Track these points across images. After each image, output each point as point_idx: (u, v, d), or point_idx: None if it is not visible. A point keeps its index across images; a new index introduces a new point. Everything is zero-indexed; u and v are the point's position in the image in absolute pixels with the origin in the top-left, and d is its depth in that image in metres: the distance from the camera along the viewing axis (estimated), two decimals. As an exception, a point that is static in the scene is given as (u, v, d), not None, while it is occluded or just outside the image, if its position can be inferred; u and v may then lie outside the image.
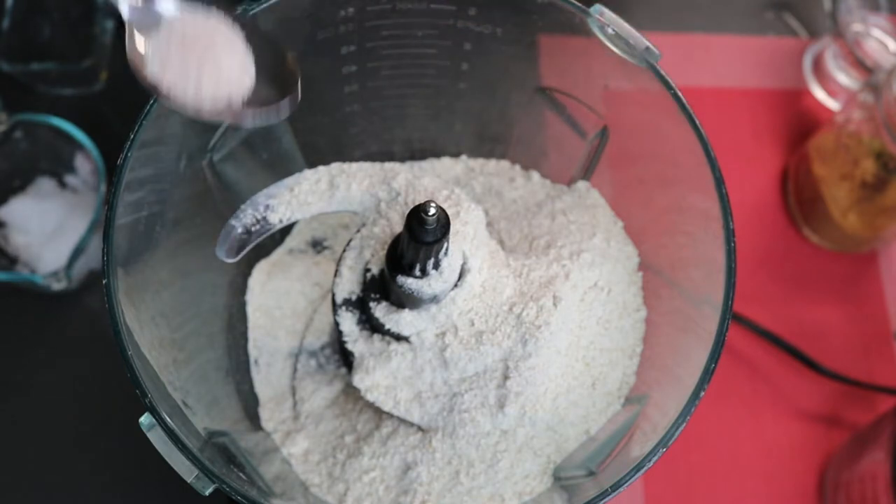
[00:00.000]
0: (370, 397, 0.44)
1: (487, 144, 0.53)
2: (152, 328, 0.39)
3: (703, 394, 0.36)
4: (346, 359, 0.49)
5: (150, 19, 0.38)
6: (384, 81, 0.49)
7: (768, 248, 0.71)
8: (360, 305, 0.44)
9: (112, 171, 0.36)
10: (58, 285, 0.60)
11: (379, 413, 0.47)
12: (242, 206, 0.45)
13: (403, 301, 0.42)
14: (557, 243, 0.46)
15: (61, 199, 0.65)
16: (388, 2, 0.43)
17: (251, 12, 0.40)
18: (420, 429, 0.45)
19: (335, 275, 0.44)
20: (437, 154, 0.54)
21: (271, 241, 0.53)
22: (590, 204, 0.49)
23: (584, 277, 0.44)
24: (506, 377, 0.42)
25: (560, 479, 0.44)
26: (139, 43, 0.37)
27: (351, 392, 0.49)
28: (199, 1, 0.39)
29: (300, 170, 0.46)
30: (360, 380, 0.44)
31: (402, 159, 0.52)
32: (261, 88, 0.39)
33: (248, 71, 0.39)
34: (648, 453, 0.36)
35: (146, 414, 0.35)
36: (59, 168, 0.65)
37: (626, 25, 0.39)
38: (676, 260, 0.44)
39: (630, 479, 0.35)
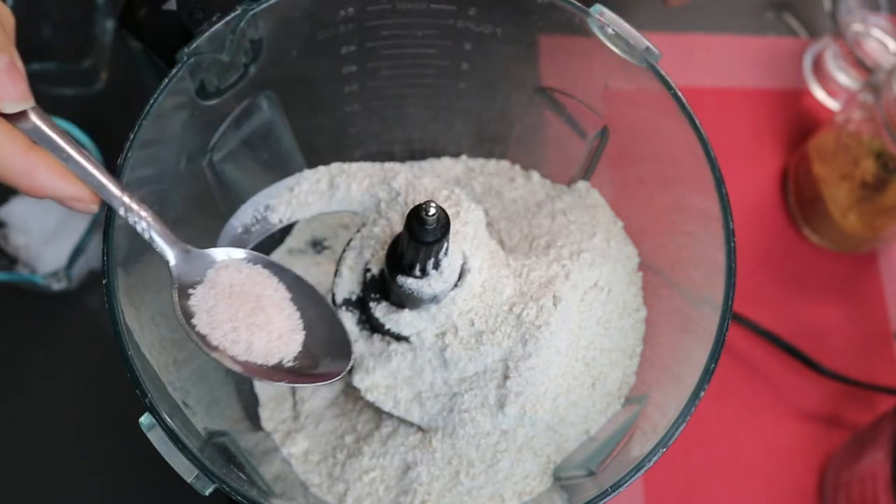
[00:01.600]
0: (370, 397, 0.44)
1: (487, 144, 0.53)
2: (152, 328, 0.39)
3: (703, 394, 0.36)
4: (346, 359, 0.49)
5: (196, 272, 0.38)
6: (384, 81, 0.49)
7: (768, 248, 0.71)
8: (360, 305, 0.44)
9: (112, 171, 0.36)
10: (58, 285, 0.60)
11: (379, 413, 0.47)
12: (242, 206, 0.45)
13: (403, 301, 0.42)
14: (557, 243, 0.46)
15: (61, 199, 0.65)
16: (388, 2, 0.43)
17: (251, 12, 0.40)
18: (420, 429, 0.45)
19: (335, 275, 0.44)
20: (437, 154, 0.54)
21: (271, 241, 0.53)
22: (590, 204, 0.49)
23: (584, 277, 0.44)
24: (506, 377, 0.42)
25: (560, 479, 0.44)
26: (188, 294, 0.38)
27: (351, 392, 0.49)
28: (242, 254, 0.39)
29: (300, 170, 0.46)
30: (360, 380, 0.44)
31: (402, 159, 0.52)
32: (311, 345, 0.39)
33: (298, 328, 0.39)
34: (648, 453, 0.36)
35: (146, 414, 0.35)
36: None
37: (626, 25, 0.39)
38: (676, 260, 0.44)
39: (630, 479, 0.35)
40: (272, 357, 0.38)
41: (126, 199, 0.36)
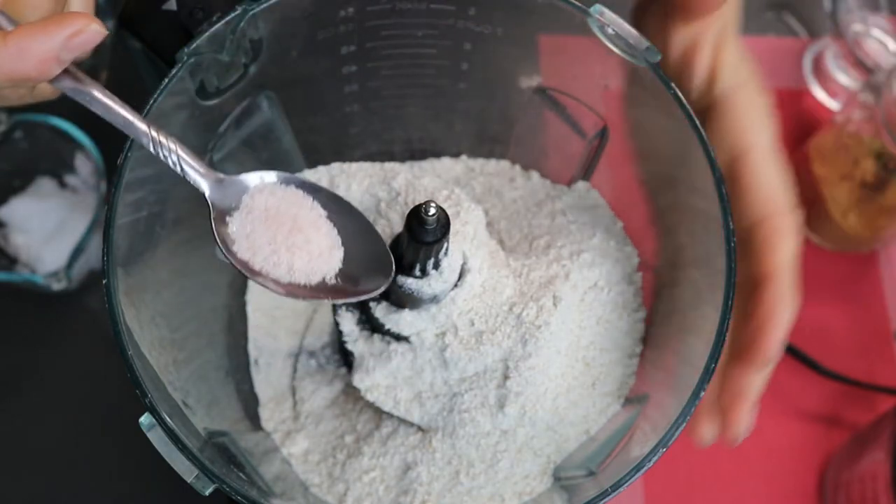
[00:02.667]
0: (370, 397, 0.44)
1: (487, 144, 0.53)
2: (152, 328, 0.39)
3: (703, 394, 0.36)
4: (346, 359, 0.49)
5: (231, 198, 0.38)
6: (384, 81, 0.49)
7: (768, 248, 0.71)
8: (360, 305, 0.44)
9: (112, 171, 0.36)
10: (58, 285, 0.60)
11: (379, 413, 0.47)
12: (243, 206, 0.45)
13: (403, 301, 0.42)
14: (557, 243, 0.46)
15: (61, 199, 0.65)
16: (388, 2, 0.43)
17: (251, 12, 0.40)
18: (420, 429, 0.45)
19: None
20: (437, 154, 0.54)
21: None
22: (590, 204, 0.49)
23: (584, 277, 0.44)
24: (506, 377, 0.42)
25: (560, 479, 0.44)
26: (225, 222, 0.38)
27: (351, 392, 0.49)
28: (274, 177, 0.39)
29: (300, 170, 0.46)
30: (360, 380, 0.44)
31: (401, 159, 0.52)
32: (351, 261, 0.39)
33: (337, 244, 0.39)
34: (648, 453, 0.36)
35: (146, 414, 0.35)
36: (59, 168, 0.65)
37: (626, 25, 0.39)
38: (676, 260, 0.44)
39: (630, 479, 0.35)
40: (314, 276, 0.38)
41: (154, 133, 0.35)
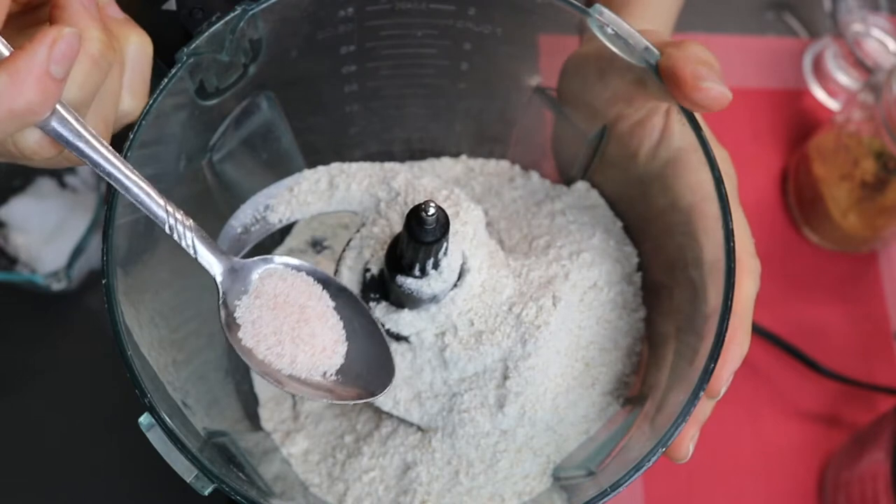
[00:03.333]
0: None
1: (487, 144, 0.53)
2: (152, 328, 0.39)
3: (702, 394, 0.36)
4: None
5: (241, 282, 0.38)
6: (384, 81, 0.49)
7: (768, 248, 0.71)
8: (360, 305, 0.44)
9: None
10: (58, 285, 0.60)
11: (378, 413, 0.47)
12: (242, 206, 0.45)
13: (403, 301, 0.42)
14: (557, 243, 0.46)
15: (61, 199, 0.65)
16: (388, 2, 0.43)
17: (251, 12, 0.40)
18: (419, 429, 0.45)
19: (334, 274, 0.44)
20: (437, 154, 0.54)
21: (271, 240, 0.53)
22: (589, 204, 0.49)
23: (584, 277, 0.44)
24: (505, 377, 0.42)
25: (560, 479, 0.44)
26: (232, 305, 0.38)
27: (351, 392, 0.49)
28: (286, 262, 0.39)
29: (300, 170, 0.46)
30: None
31: (401, 159, 0.52)
32: (353, 358, 0.39)
33: (342, 339, 0.39)
34: (648, 453, 0.36)
35: (145, 414, 0.35)
36: (58, 168, 0.65)
37: (625, 25, 0.39)
38: (676, 260, 0.44)
39: (629, 478, 0.35)
40: (316, 370, 0.38)
41: (169, 211, 0.35)
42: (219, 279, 0.37)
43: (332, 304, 0.40)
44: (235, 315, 0.38)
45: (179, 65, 0.39)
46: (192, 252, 0.36)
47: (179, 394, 0.40)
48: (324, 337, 0.38)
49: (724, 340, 0.36)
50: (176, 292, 0.44)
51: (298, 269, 0.40)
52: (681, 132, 0.41)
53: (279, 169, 0.47)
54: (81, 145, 0.32)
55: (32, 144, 0.32)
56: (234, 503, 0.36)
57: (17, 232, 0.64)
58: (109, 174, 0.33)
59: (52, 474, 0.60)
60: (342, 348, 0.39)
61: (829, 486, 0.63)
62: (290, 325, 0.38)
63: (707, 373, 0.36)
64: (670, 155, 0.42)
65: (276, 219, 0.45)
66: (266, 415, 0.50)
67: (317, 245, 0.55)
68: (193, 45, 0.39)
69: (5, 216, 0.64)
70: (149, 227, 0.41)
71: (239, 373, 0.51)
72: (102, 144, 0.33)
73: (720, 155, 0.42)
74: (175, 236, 0.36)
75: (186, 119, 0.41)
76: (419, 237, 0.38)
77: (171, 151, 0.42)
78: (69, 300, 0.63)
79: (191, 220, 0.36)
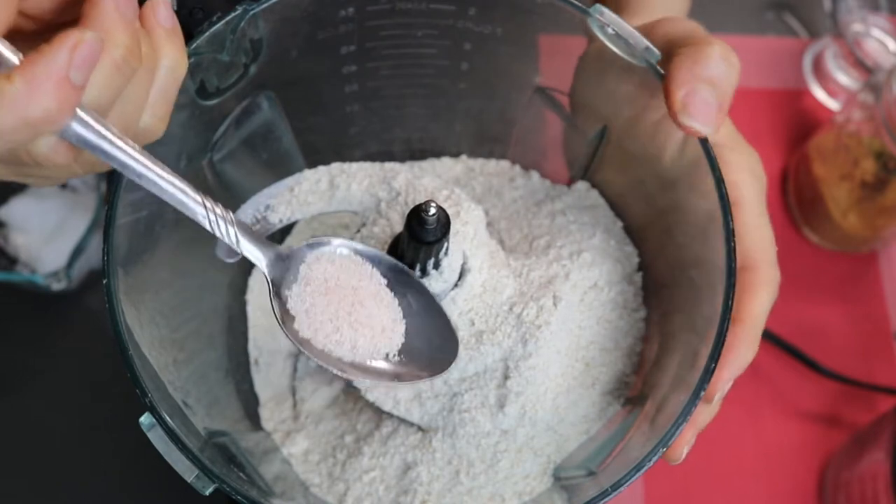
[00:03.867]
0: (370, 397, 0.44)
1: (487, 144, 0.53)
2: (152, 328, 0.39)
3: (703, 394, 0.36)
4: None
5: (289, 270, 0.37)
6: (384, 81, 0.49)
7: (768, 247, 0.71)
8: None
9: (112, 171, 0.36)
10: (58, 285, 0.60)
11: (379, 413, 0.47)
12: (243, 206, 0.45)
13: (404, 301, 0.42)
14: (557, 243, 0.46)
15: (61, 198, 0.65)
16: (388, 2, 0.43)
17: (251, 12, 0.40)
18: (420, 429, 0.45)
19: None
20: (437, 154, 0.54)
21: (271, 240, 0.53)
22: (590, 204, 0.49)
23: (584, 277, 0.44)
24: (506, 377, 0.42)
25: (560, 479, 0.44)
26: (283, 296, 0.36)
27: (351, 392, 0.49)
28: (332, 243, 0.38)
29: (300, 170, 0.46)
30: (360, 380, 0.44)
31: (401, 159, 0.52)
32: (413, 335, 0.38)
33: (399, 317, 0.38)
34: (648, 453, 0.36)
35: (146, 413, 0.35)
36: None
37: (626, 25, 0.39)
38: (676, 260, 0.44)
39: (630, 478, 0.35)
40: (378, 353, 0.37)
41: (209, 206, 0.33)
42: (266, 271, 0.36)
43: (383, 281, 0.38)
44: (288, 306, 0.36)
45: (180, 64, 0.39)
46: (235, 246, 0.35)
47: (180, 393, 0.40)
48: (381, 317, 0.37)
49: (724, 340, 0.36)
50: (176, 292, 0.44)
51: (345, 248, 0.38)
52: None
53: (280, 169, 0.47)
54: (106, 146, 0.30)
55: (46, 150, 0.30)
56: (234, 503, 0.36)
57: (17, 232, 0.64)
58: (140, 175, 0.31)
59: (52, 474, 0.60)
60: (401, 327, 0.38)
61: (829, 486, 0.63)
62: (345, 309, 0.36)
63: (708, 373, 0.36)
64: (701, 153, 0.40)
65: (277, 219, 0.45)
66: (266, 415, 0.50)
67: (317, 245, 0.55)
68: (194, 45, 0.39)
69: (5, 216, 0.64)
70: (149, 227, 0.41)
71: (239, 373, 0.51)
72: (129, 144, 0.31)
73: (750, 156, 0.41)
74: (217, 233, 0.34)
75: (187, 119, 0.41)
76: (420, 237, 0.38)
77: (171, 151, 0.42)
78: (69, 300, 0.63)
79: (231, 214, 0.35)
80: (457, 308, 0.42)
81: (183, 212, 0.33)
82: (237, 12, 0.39)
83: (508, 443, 0.43)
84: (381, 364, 0.37)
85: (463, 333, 0.42)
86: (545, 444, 0.44)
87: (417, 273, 0.40)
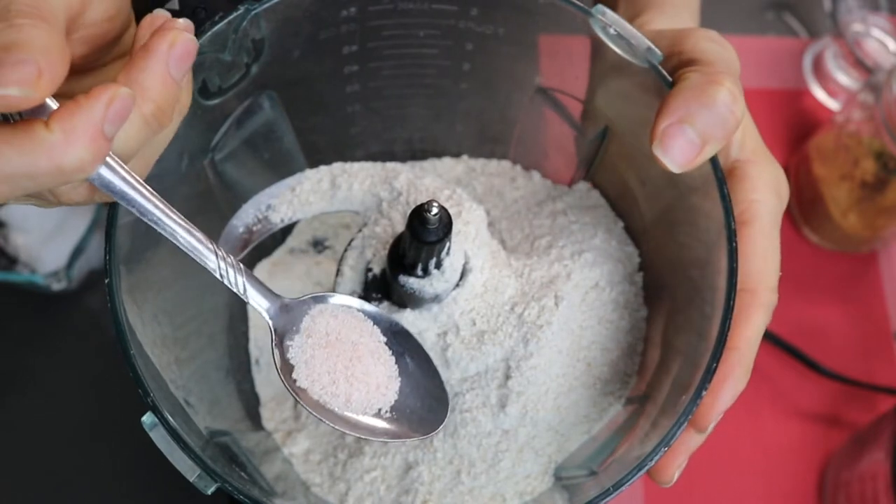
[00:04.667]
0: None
1: (488, 145, 0.53)
2: (154, 326, 0.39)
3: (703, 394, 0.36)
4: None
5: (292, 321, 0.38)
6: (386, 81, 0.49)
7: (768, 248, 0.71)
8: (362, 305, 0.44)
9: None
10: (58, 285, 0.60)
11: (380, 413, 0.47)
12: (244, 206, 0.45)
13: (405, 301, 0.42)
14: (559, 243, 0.46)
15: (62, 198, 0.65)
16: (390, 2, 0.43)
17: (253, 12, 0.40)
18: (421, 428, 0.45)
19: (336, 274, 0.44)
20: (439, 154, 0.54)
21: (272, 240, 0.53)
22: (591, 204, 0.49)
23: (586, 277, 0.44)
24: (507, 377, 0.43)
25: (561, 479, 0.44)
26: (284, 346, 0.37)
27: (352, 392, 0.49)
28: (336, 300, 0.39)
29: (301, 169, 0.46)
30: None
31: (403, 159, 0.52)
32: (406, 394, 0.39)
33: (394, 375, 0.39)
34: (650, 453, 0.36)
35: (148, 413, 0.35)
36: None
37: (627, 25, 0.39)
38: (677, 260, 0.44)
39: (631, 478, 0.35)
40: (370, 408, 0.38)
41: (219, 255, 0.35)
42: (271, 322, 0.37)
43: (382, 339, 0.40)
44: (288, 356, 0.37)
45: (182, 64, 0.39)
46: (242, 295, 0.36)
47: (182, 392, 0.40)
48: (377, 374, 0.38)
49: (725, 340, 0.36)
50: (178, 290, 0.44)
51: (349, 306, 0.40)
52: (741, 141, 0.40)
53: (281, 168, 0.47)
54: (128, 193, 0.32)
55: (70, 192, 0.32)
56: (235, 503, 0.36)
57: (17, 232, 0.64)
58: (157, 221, 0.33)
59: (53, 474, 0.59)
60: (395, 385, 0.39)
61: (829, 486, 0.63)
62: (343, 363, 0.37)
63: (709, 372, 0.36)
64: (727, 164, 0.40)
65: (278, 218, 0.45)
66: (267, 414, 0.50)
67: (318, 245, 0.55)
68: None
69: (5, 216, 0.64)
70: (151, 227, 0.41)
71: (240, 372, 0.51)
72: (148, 192, 0.32)
73: (774, 172, 0.40)
74: (226, 281, 0.35)
75: (189, 118, 0.41)
76: (422, 237, 0.38)
77: (173, 151, 0.42)
78: (69, 300, 0.63)
79: (241, 264, 0.36)
80: (458, 308, 0.42)
81: (194, 258, 0.35)
82: (239, 12, 0.39)
83: (510, 442, 0.43)
84: (371, 420, 0.38)
85: (464, 333, 0.42)
86: (546, 444, 0.44)
87: (419, 272, 0.40)
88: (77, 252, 0.59)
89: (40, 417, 0.61)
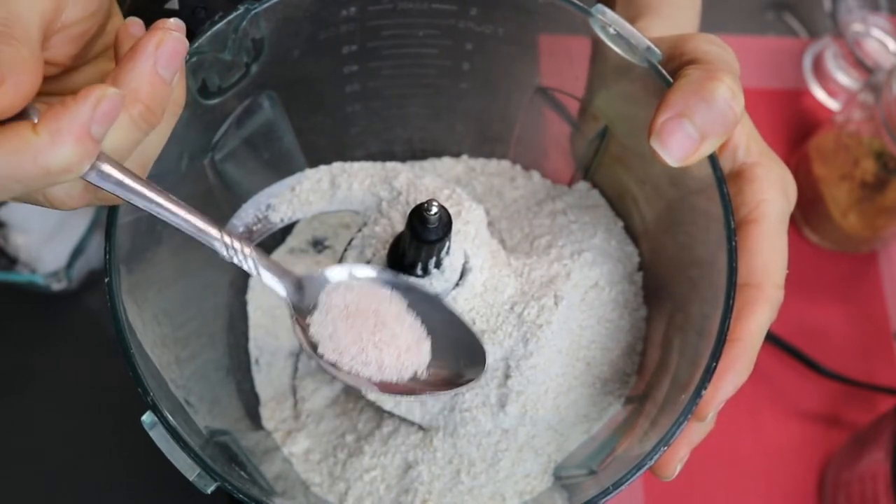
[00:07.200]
0: (371, 396, 0.44)
1: (488, 144, 0.53)
2: (154, 326, 0.39)
3: (703, 393, 0.36)
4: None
5: (309, 297, 0.37)
6: (385, 81, 0.49)
7: (768, 248, 0.71)
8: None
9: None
10: (58, 285, 0.60)
11: (380, 412, 0.47)
12: (244, 206, 0.45)
13: (405, 300, 0.42)
14: (558, 243, 0.46)
15: (62, 198, 0.65)
16: (390, 2, 0.43)
17: (253, 11, 0.40)
18: (421, 428, 0.45)
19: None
20: (438, 154, 0.54)
21: (272, 240, 0.53)
22: (590, 204, 0.49)
23: (585, 277, 0.44)
24: (507, 376, 0.43)
25: (561, 479, 0.44)
26: (306, 323, 0.37)
27: (352, 391, 0.49)
28: (352, 271, 0.39)
29: (301, 169, 0.46)
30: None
31: (403, 159, 0.52)
32: (440, 351, 0.38)
33: (423, 336, 0.38)
34: (649, 452, 0.36)
35: (148, 412, 0.35)
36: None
37: (627, 25, 0.39)
38: (677, 260, 0.44)
39: (631, 477, 0.35)
40: (406, 371, 0.38)
41: (227, 239, 0.35)
42: (286, 297, 0.37)
43: (404, 302, 0.39)
44: (310, 332, 0.37)
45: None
46: (255, 274, 0.36)
47: (182, 392, 0.40)
48: (405, 336, 0.38)
49: (725, 339, 0.37)
50: (179, 290, 0.44)
51: (364, 274, 0.39)
52: (746, 145, 0.40)
53: (281, 168, 0.47)
54: (126, 186, 0.32)
55: (62, 195, 0.32)
56: (235, 502, 0.36)
57: (17, 232, 0.64)
58: (160, 211, 0.33)
59: (53, 474, 0.59)
60: (426, 344, 0.38)
61: (829, 486, 0.63)
62: (368, 331, 0.37)
63: (708, 372, 0.36)
64: (734, 167, 0.40)
65: (278, 218, 0.45)
66: (267, 414, 0.50)
67: (318, 244, 0.55)
68: (196, 45, 0.39)
69: (5, 216, 0.64)
70: (150, 226, 0.41)
71: (240, 372, 0.51)
72: (147, 184, 0.32)
73: (780, 173, 0.40)
74: (236, 260, 0.35)
75: (188, 118, 0.41)
76: (422, 236, 0.38)
77: (172, 151, 0.42)
78: (69, 300, 0.63)
79: (250, 248, 0.35)
80: (458, 307, 0.42)
81: (202, 242, 0.34)
82: (239, 12, 0.39)
83: (509, 442, 0.43)
84: (410, 384, 0.38)
85: (464, 333, 0.42)
86: (546, 444, 0.44)
87: (419, 272, 0.40)
88: (77, 252, 0.59)
89: (40, 417, 0.61)
